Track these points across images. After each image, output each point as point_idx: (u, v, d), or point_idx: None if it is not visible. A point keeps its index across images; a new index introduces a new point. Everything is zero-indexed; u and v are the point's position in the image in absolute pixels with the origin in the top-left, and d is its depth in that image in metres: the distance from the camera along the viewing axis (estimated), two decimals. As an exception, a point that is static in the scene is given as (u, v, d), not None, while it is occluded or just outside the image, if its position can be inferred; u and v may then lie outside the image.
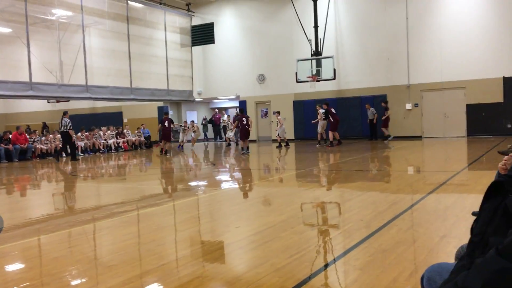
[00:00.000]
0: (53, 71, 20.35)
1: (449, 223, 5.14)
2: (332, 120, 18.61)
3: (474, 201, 6.26)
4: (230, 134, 22.95)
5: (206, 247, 4.75)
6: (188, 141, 22.12)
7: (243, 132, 17.11)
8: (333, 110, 19.04)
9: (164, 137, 18.44)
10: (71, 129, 17.50)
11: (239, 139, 19.36)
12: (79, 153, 20.01)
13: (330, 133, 18.68)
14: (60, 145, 19.09)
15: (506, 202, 1.25)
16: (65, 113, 17.98)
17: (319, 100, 21.31)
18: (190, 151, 20.47)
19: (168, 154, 17.93)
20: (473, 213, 5.15)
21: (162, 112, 27.13)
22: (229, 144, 22.77)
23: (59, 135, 19.11)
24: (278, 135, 19.84)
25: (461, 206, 6.10)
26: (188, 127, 22.81)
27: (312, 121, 20.55)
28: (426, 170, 10.78)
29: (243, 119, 17.12)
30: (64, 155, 18.60)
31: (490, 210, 1.37)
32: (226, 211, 6.74)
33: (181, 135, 22.69)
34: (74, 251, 4.72)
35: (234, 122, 19.80)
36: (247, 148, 16.93)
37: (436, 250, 4.19)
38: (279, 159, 15.41)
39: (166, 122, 18.42)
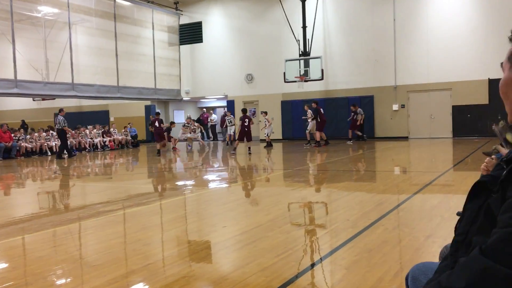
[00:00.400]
0: (39, 69, 20.14)
1: (434, 223, 5.19)
2: (319, 120, 18.65)
3: (459, 202, 6.32)
4: (231, 131, 22.25)
5: (192, 246, 4.73)
6: (184, 140, 21.52)
7: (242, 133, 16.62)
8: (321, 110, 19.09)
9: (157, 137, 18.13)
10: (65, 126, 17.30)
11: (235, 139, 18.83)
12: (64, 152, 19.76)
13: (317, 133, 18.73)
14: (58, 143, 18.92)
15: (489, 201, 1.25)
16: (60, 110, 17.84)
17: (307, 100, 21.34)
18: (187, 150, 20.14)
19: (159, 155, 17.18)
20: (458, 213, 5.20)
21: (149, 111, 27.03)
22: (229, 143, 21.73)
23: (54, 133, 19.28)
24: (266, 134, 19.84)
25: (446, 206, 6.16)
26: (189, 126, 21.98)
27: (303, 117, 20.32)
28: (412, 171, 10.87)
29: (245, 119, 16.61)
30: (65, 152, 18.20)
31: (474, 210, 1.37)
32: (213, 211, 6.73)
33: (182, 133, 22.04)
34: (58, 251, 4.67)
35: (223, 122, 19.53)
36: (249, 148, 16.64)
37: (422, 250, 4.22)
38: (267, 159, 15.42)
39: (157, 122, 18.19)
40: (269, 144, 19.66)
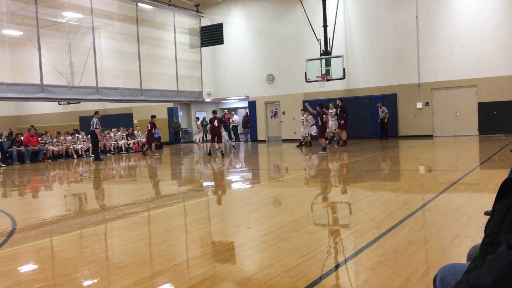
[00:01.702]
0: (64, 73, 20.54)
1: (461, 223, 5.10)
2: (342, 120, 18.37)
3: (487, 201, 6.20)
4: (304, 131, 20.02)
5: (217, 247, 4.76)
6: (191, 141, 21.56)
7: (323, 128, 16.15)
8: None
9: (213, 137, 17.00)
10: (97, 128, 17.67)
11: (314, 135, 18.08)
12: (90, 153, 20.20)
13: (344, 132, 18.44)
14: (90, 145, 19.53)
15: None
16: (96, 112, 18.24)
17: (330, 100, 21.16)
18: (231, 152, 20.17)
19: (223, 155, 16.69)
20: (486, 213, 5.12)
21: (172, 113, 27.27)
22: (302, 144, 19.93)
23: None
24: (307, 134, 19.44)
25: (473, 205, 6.05)
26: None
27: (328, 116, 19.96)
28: (437, 169, 10.70)
29: (323, 115, 16.11)
30: (101, 153, 18.75)
31: (503, 210, 1.35)
32: (237, 212, 6.75)
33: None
34: (86, 252, 4.75)
35: (314, 117, 18.53)
36: (324, 148, 15.85)
37: (449, 250, 4.15)
38: (296, 160, 15.39)
39: (216, 121, 16.95)
40: (308, 144, 19.37)
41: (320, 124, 16.43)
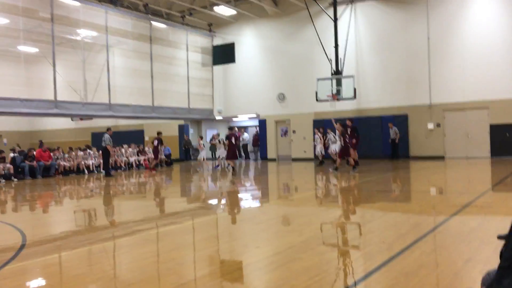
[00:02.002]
0: (78, 90, 20.79)
1: (473, 247, 5.02)
2: (354, 139, 17.93)
3: (499, 224, 6.11)
4: (319, 149, 20.22)
5: (225, 267, 4.73)
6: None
7: (345, 149, 15.79)
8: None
9: (230, 154, 17.02)
10: (108, 144, 17.84)
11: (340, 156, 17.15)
12: (101, 169, 20.34)
13: (355, 153, 18.06)
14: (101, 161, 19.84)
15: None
16: (108, 129, 18.48)
17: (340, 120, 21.08)
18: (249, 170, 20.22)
19: (234, 173, 16.65)
20: (499, 237, 5.04)
21: (183, 130, 27.42)
22: (321, 162, 19.94)
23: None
24: (320, 152, 19.53)
25: (486, 229, 5.96)
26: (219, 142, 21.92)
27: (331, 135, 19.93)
28: (449, 191, 10.59)
29: (346, 135, 15.57)
30: (111, 170, 19.10)
31: (519, 236, 1.33)
32: (246, 231, 6.71)
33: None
34: (94, 269, 4.74)
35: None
36: (355, 164, 15.55)
37: (461, 275, 4.08)
38: (301, 178, 15.32)
39: (233, 138, 16.92)
40: (322, 163, 19.55)
41: (343, 143, 15.99)
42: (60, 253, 5.62)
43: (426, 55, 21.09)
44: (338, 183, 12.84)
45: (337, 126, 17.35)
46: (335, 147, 18.89)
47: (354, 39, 22.69)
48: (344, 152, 15.95)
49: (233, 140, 16.82)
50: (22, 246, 5.88)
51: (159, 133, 19.60)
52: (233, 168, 16.93)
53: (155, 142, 19.04)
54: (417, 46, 21.30)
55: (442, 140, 21.12)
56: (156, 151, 19.75)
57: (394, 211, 7.76)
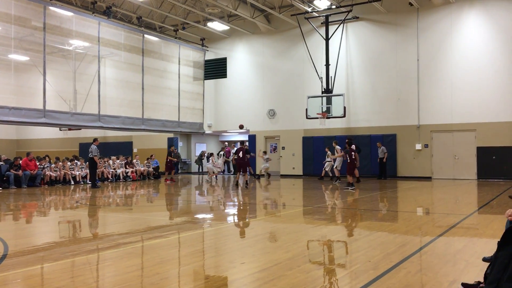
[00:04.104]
0: (67, 100, 20.68)
1: (459, 268, 5.03)
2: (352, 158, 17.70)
3: (485, 246, 6.14)
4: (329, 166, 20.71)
5: (210, 282, 4.67)
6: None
7: (351, 166, 15.76)
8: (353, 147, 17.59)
9: (239, 168, 17.12)
10: (95, 156, 17.69)
11: (343, 173, 17.43)
12: (87, 180, 20.15)
13: (355, 171, 17.79)
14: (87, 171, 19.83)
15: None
16: (94, 140, 18.31)
17: (329, 137, 21.32)
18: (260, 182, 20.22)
19: (247, 186, 16.84)
20: (484, 259, 5.06)
21: (172, 143, 27.32)
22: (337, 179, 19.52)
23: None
24: (336, 167, 19.56)
25: (472, 250, 5.98)
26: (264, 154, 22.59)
27: (332, 157, 20.00)
28: (435, 212, 10.64)
29: (352, 153, 15.68)
30: (98, 181, 19.09)
31: (505, 257, 1.34)
32: (232, 246, 6.66)
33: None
34: (76, 282, 4.66)
35: (340, 153, 18.49)
36: (352, 183, 15.69)
37: (446, 296, 4.08)
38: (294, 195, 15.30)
39: (241, 152, 16.97)
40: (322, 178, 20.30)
41: (348, 161, 15.79)
42: (42, 264, 5.52)
43: (416, 77, 21.38)
44: (327, 200, 12.82)
45: (336, 147, 18.69)
46: (335, 165, 19.61)
47: (345, 58, 22.95)
48: (350, 169, 15.78)
49: (240, 154, 16.99)
50: (4, 256, 5.77)
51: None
52: (246, 182, 17.13)
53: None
54: (406, 67, 21.60)
55: (429, 161, 21.30)
56: (166, 163, 21.34)
57: (381, 230, 7.77)
